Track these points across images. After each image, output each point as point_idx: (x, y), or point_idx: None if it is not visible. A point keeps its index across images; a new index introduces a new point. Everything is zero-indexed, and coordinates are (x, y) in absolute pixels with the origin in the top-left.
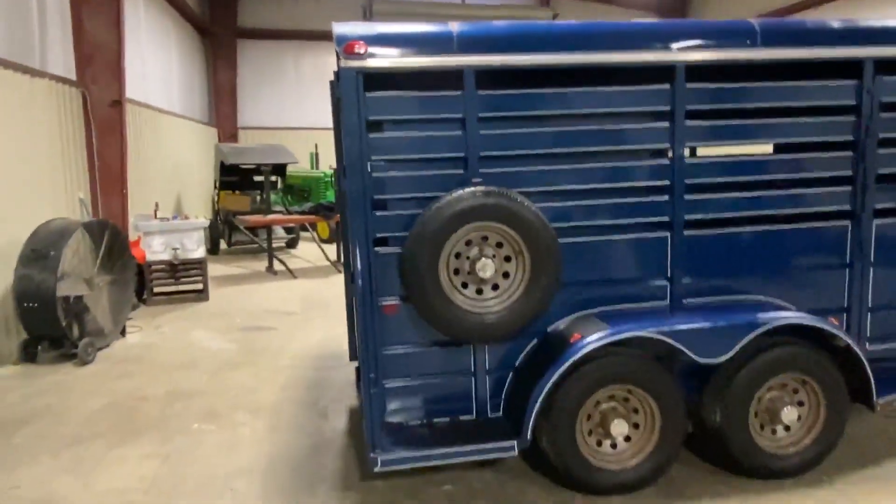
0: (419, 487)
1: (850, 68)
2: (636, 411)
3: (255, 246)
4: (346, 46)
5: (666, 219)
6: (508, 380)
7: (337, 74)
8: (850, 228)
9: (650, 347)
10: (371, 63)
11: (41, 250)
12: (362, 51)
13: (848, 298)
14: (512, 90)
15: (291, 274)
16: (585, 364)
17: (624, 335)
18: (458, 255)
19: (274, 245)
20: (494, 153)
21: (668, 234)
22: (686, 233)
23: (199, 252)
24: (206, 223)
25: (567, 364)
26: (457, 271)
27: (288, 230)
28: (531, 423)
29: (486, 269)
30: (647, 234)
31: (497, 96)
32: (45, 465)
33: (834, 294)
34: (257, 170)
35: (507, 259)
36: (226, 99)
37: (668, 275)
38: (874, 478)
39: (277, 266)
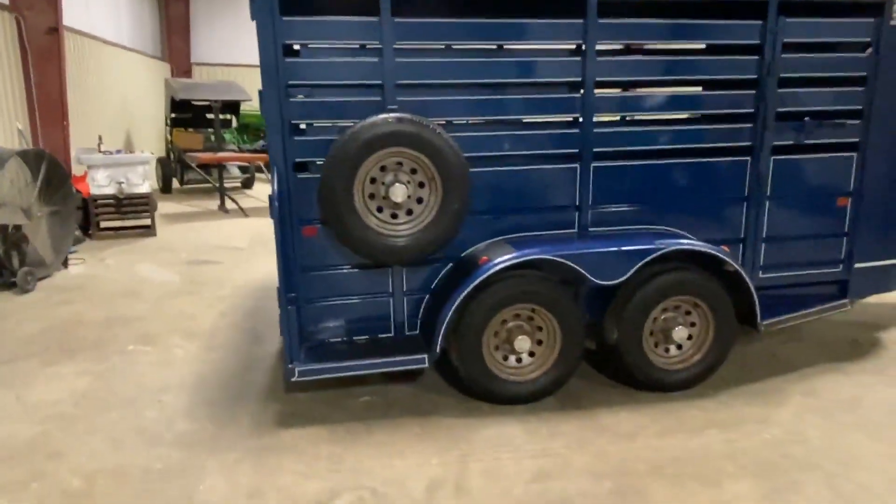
0: (339, 399)
1: (755, 9)
2: (540, 329)
3: (209, 185)
4: None
5: (575, 151)
6: (425, 301)
7: None
8: (749, 164)
9: (556, 271)
10: None
11: None
12: None
13: (744, 230)
14: (429, 18)
15: (243, 212)
16: (491, 285)
17: (524, 258)
18: (373, 181)
19: (229, 185)
20: (411, 81)
21: (577, 165)
22: (594, 164)
23: (145, 187)
24: (151, 157)
25: (473, 284)
26: (372, 196)
27: (243, 169)
28: (441, 337)
29: (397, 193)
30: (557, 165)
31: (413, 24)
32: None
33: (732, 225)
34: (210, 107)
35: (421, 185)
36: (179, 33)
37: (577, 204)
38: (755, 392)
39: (230, 205)
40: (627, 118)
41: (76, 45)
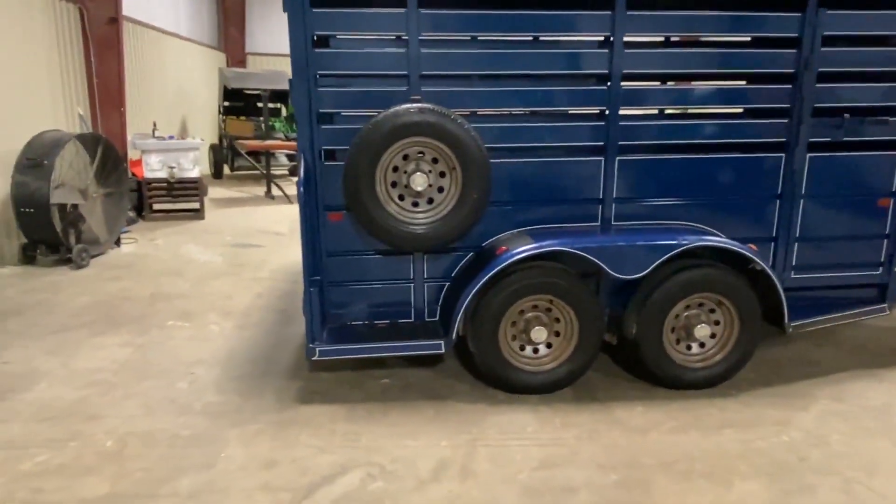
0: (360, 380)
1: (794, 0)
2: (558, 321)
3: (258, 172)
4: None
5: (601, 144)
6: (445, 288)
7: None
8: (783, 160)
9: (576, 263)
10: None
11: (36, 159)
12: None
13: (777, 228)
14: (454, 10)
15: (288, 199)
16: (510, 275)
17: (541, 249)
18: (395, 169)
19: (277, 172)
20: (436, 72)
21: (601, 158)
22: (619, 158)
23: (195, 172)
24: (201, 144)
25: (490, 273)
26: (394, 184)
27: (290, 157)
28: (457, 323)
29: (418, 182)
30: (582, 157)
31: (440, 16)
32: (31, 347)
33: (764, 224)
34: (260, 96)
35: (442, 175)
36: (235, 23)
37: (601, 197)
38: (780, 394)
39: (275, 191)
40: (659, 112)
41: (135, 34)
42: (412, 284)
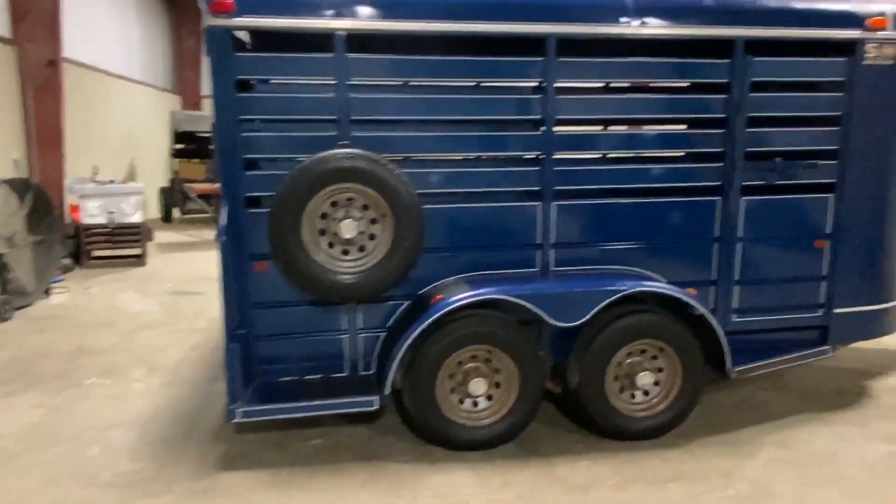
0: (289, 441)
1: (723, 47)
2: (498, 371)
3: (209, 215)
4: (213, 4)
5: (536, 188)
6: (381, 340)
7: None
8: (718, 204)
9: (516, 311)
10: (239, 22)
11: None
12: (230, 10)
13: (716, 272)
14: (384, 55)
15: None
16: (446, 325)
17: (477, 298)
18: (324, 216)
19: None
20: (367, 117)
21: (538, 203)
22: (556, 203)
23: (136, 216)
24: (143, 188)
25: (424, 324)
26: (323, 231)
27: None
28: (390, 378)
29: (346, 229)
30: (518, 203)
31: (369, 61)
32: None
33: (703, 267)
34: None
35: (374, 221)
36: (190, 66)
37: (539, 243)
38: (726, 442)
39: None
40: (599, 156)
41: (79, 77)
42: (345, 336)
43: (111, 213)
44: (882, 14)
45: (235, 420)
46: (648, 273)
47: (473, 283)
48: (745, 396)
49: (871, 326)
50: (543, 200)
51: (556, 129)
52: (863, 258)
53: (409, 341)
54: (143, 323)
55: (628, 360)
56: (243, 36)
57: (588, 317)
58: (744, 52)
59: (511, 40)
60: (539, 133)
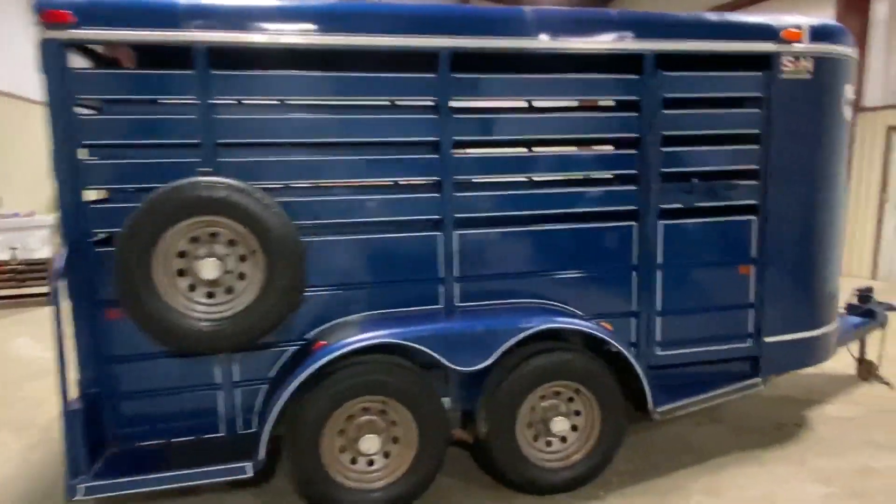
0: None
1: (631, 62)
2: (395, 424)
3: None
4: (45, 15)
5: (436, 217)
6: (263, 393)
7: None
8: (635, 229)
9: (415, 354)
10: (78, 34)
11: None
12: (66, 21)
13: (637, 302)
14: (253, 71)
15: None
16: (331, 374)
17: (360, 344)
18: (183, 254)
19: None
20: (236, 140)
21: (438, 233)
22: (459, 232)
23: (44, 252)
24: (52, 220)
25: (302, 376)
26: (182, 272)
27: None
28: (263, 441)
29: (206, 270)
30: (416, 233)
31: (237, 78)
32: None
33: (623, 298)
34: None
35: (244, 259)
36: None
37: (441, 277)
38: (652, 490)
39: None
40: (504, 181)
41: None
42: (219, 390)
43: (14, 248)
44: (797, 26)
45: (77, 498)
46: (564, 307)
47: (364, 325)
48: (677, 434)
49: (805, 354)
50: (444, 230)
51: (469, 151)
52: (791, 283)
53: (284, 397)
54: (33, 371)
55: (543, 404)
56: (101, 50)
57: (492, 359)
58: (654, 67)
59: (404, 55)
60: (436, 156)
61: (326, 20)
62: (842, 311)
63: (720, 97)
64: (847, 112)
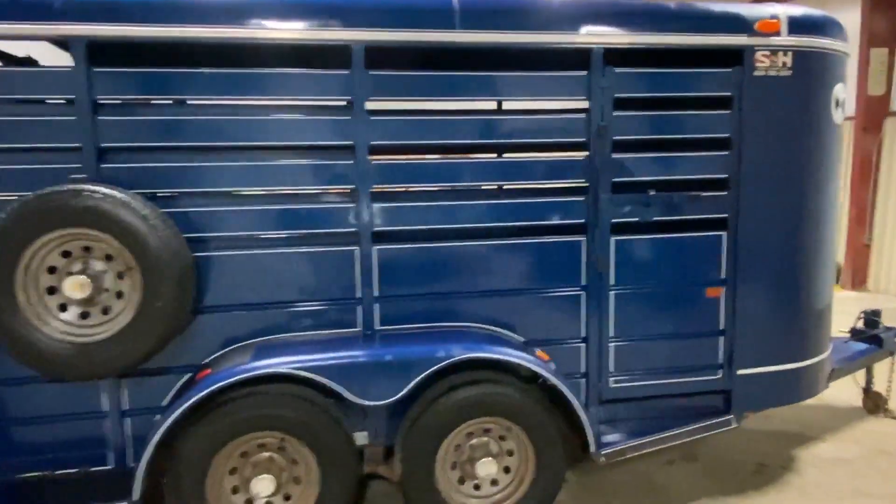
0: None
1: (578, 58)
2: (296, 463)
3: None
4: None
5: (352, 229)
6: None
7: None
8: (583, 245)
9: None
10: None
11: None
12: None
13: (586, 327)
14: (142, 69)
15: None
16: (220, 406)
17: (247, 375)
18: (52, 270)
19: None
20: (124, 144)
21: (355, 248)
22: (377, 247)
23: None
24: None
25: (183, 407)
26: (52, 290)
27: None
28: (139, 481)
29: (72, 288)
30: (329, 247)
31: (122, 75)
32: None
33: (570, 322)
34: None
35: (122, 276)
36: None
37: (358, 297)
38: None
39: None
40: (436, 189)
41: None
42: (106, 419)
43: None
44: (774, 17)
45: None
46: (503, 332)
47: (260, 352)
48: (643, 473)
49: (786, 390)
50: (361, 244)
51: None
52: (769, 307)
53: (159, 432)
54: None
55: (471, 442)
56: None
57: (403, 392)
58: (602, 63)
59: (318, 50)
60: (351, 162)
61: (222, 12)
62: (846, 334)
63: (687, 97)
64: (837, 115)
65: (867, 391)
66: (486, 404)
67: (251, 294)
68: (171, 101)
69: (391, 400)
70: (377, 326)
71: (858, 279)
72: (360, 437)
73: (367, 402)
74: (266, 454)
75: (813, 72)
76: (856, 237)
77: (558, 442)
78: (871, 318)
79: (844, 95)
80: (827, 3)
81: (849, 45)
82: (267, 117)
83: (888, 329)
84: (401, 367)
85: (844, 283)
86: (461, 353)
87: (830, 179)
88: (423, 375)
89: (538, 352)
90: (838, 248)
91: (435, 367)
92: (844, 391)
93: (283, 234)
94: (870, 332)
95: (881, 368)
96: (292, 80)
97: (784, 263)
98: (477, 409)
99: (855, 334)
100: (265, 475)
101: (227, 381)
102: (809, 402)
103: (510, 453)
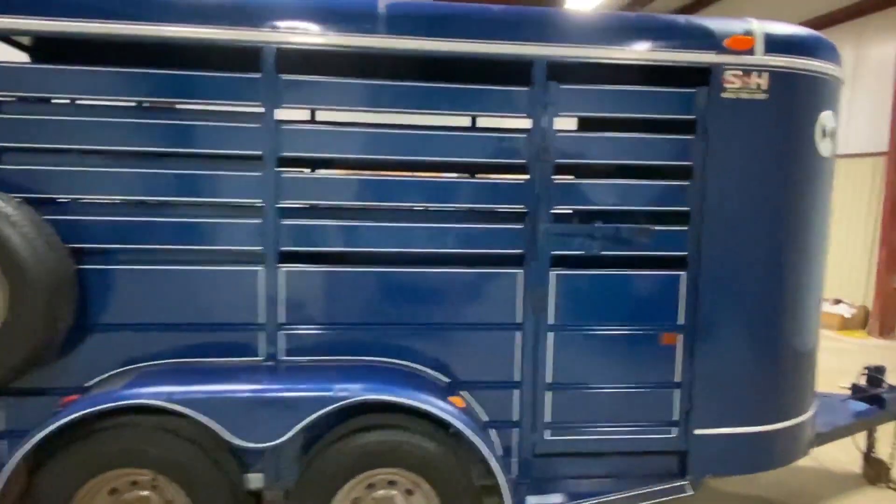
0: None
1: (521, 70)
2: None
3: None
4: None
5: (257, 248)
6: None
7: None
8: (520, 278)
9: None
10: None
11: None
12: None
13: (519, 371)
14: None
15: None
16: (83, 439)
17: (109, 405)
18: None
19: None
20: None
21: (259, 268)
22: (285, 269)
23: None
24: None
25: (37, 437)
26: None
27: None
28: None
29: None
30: (231, 266)
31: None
32: None
33: (502, 364)
34: None
35: None
36: None
37: (261, 322)
38: None
39: None
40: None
41: None
42: None
43: None
44: (748, 32)
45: None
46: (424, 371)
47: (140, 378)
48: None
49: (753, 456)
50: (266, 265)
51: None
52: (735, 360)
53: (11, 464)
54: None
55: (374, 494)
56: None
57: (289, 435)
58: (545, 78)
59: (226, 51)
60: (257, 174)
61: (119, 6)
62: (847, 389)
63: (645, 119)
64: (825, 145)
65: (868, 457)
66: (386, 453)
67: (144, 314)
68: (64, 101)
69: (275, 443)
70: (282, 357)
71: (887, 326)
72: (255, 480)
73: (247, 444)
74: (139, 493)
75: (793, 96)
76: (885, 281)
77: (474, 501)
78: (874, 374)
79: (835, 125)
80: (863, 33)
81: (842, 70)
82: (168, 122)
83: (893, 389)
84: (287, 406)
85: (871, 329)
86: (359, 395)
87: (815, 217)
88: (312, 417)
89: (452, 397)
90: (867, 293)
91: (327, 409)
92: (844, 452)
93: (181, 248)
94: (872, 390)
95: (886, 431)
96: (198, 83)
97: (755, 310)
98: (376, 458)
99: (856, 392)
100: None
101: (83, 412)
102: (802, 463)
103: None
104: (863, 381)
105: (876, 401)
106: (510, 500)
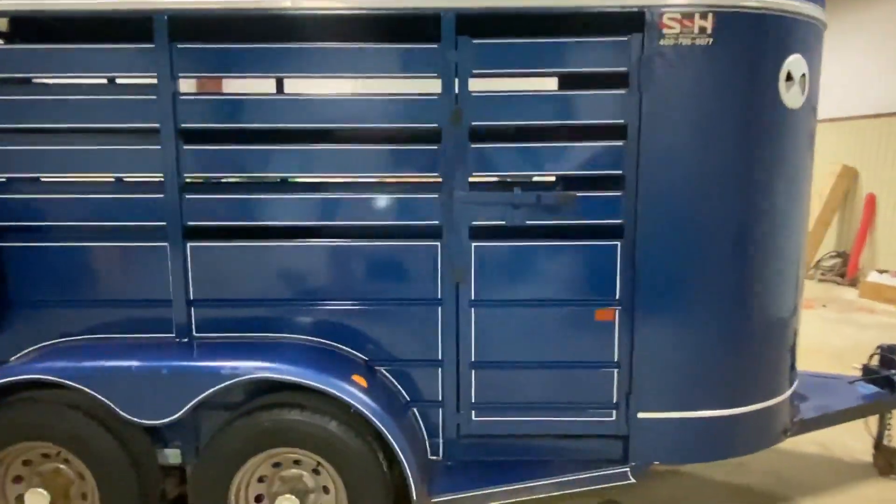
0: None
1: (427, 26)
2: (83, 478)
3: None
4: None
5: (161, 223)
6: None
7: None
8: (439, 250)
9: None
10: None
11: None
12: None
13: (441, 349)
14: None
15: None
16: None
17: (6, 379)
18: None
19: None
20: None
21: (164, 244)
22: (192, 244)
23: None
24: None
25: None
26: None
27: None
28: None
29: None
30: (139, 242)
31: None
32: None
33: (423, 341)
34: None
35: None
36: None
37: (171, 298)
38: None
39: None
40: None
41: None
42: None
43: None
44: None
45: None
46: (339, 348)
47: (49, 354)
48: None
49: (708, 443)
50: (170, 240)
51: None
52: (683, 336)
53: None
54: None
55: (283, 474)
56: None
57: (181, 413)
58: (454, 32)
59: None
60: (156, 147)
61: None
62: (857, 370)
63: (569, 73)
64: (793, 96)
65: (878, 446)
66: (281, 432)
67: (60, 290)
68: None
69: (168, 420)
70: (194, 333)
71: None
72: (172, 455)
73: (139, 420)
74: (50, 466)
75: (748, 40)
76: None
77: (378, 483)
78: (888, 354)
79: (806, 71)
80: None
81: (820, 8)
82: (66, 97)
83: None
84: (179, 383)
85: None
86: (250, 373)
87: (782, 177)
88: (204, 395)
89: (356, 376)
90: None
91: (217, 387)
92: (860, 441)
93: (90, 225)
94: (883, 372)
95: None
96: (93, 56)
97: (705, 283)
98: (272, 438)
99: (866, 373)
100: (39, 489)
101: None
102: (805, 451)
103: (326, 490)
104: (875, 361)
105: (887, 384)
106: (414, 486)
